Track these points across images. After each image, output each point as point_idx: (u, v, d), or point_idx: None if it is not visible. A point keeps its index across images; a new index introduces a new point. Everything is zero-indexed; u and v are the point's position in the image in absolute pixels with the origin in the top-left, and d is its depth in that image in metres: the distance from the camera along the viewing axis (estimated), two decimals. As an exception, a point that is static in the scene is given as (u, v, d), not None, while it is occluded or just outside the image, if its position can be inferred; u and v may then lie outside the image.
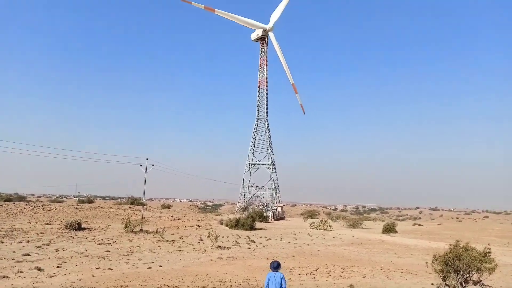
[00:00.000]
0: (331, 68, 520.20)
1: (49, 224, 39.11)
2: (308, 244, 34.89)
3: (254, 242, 34.12)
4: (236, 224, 46.49)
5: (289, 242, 36.17)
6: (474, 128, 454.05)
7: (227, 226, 47.78)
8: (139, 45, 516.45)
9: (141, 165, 44.88)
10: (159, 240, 31.29)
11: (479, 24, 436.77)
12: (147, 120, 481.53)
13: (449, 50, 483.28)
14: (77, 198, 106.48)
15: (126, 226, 36.29)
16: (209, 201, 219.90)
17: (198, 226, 46.43)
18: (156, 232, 35.52)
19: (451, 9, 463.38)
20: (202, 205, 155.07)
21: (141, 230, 37.44)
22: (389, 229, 53.82)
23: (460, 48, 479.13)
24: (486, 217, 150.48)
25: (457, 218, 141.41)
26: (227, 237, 36.87)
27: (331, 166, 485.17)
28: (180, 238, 34.01)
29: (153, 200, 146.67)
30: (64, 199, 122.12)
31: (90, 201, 79.49)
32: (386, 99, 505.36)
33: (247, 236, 37.99)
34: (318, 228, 54.29)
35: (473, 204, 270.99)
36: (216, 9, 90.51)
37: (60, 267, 18.63)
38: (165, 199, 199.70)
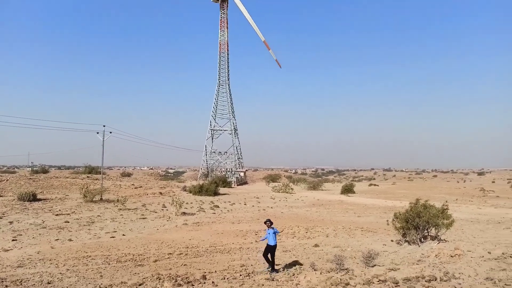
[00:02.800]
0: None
1: (1, 196, 36.96)
2: (271, 207, 35.57)
3: (218, 207, 34.25)
4: (200, 190, 46.36)
5: (253, 206, 36.68)
6: (427, 92, 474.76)
7: (190, 192, 47.57)
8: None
9: (97, 133, 43.06)
10: (120, 209, 30.52)
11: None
12: (103, 84, 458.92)
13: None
14: (30, 168, 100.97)
15: (85, 196, 35.00)
16: (171, 168, 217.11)
17: (160, 193, 45.81)
18: (117, 200, 34.61)
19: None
20: (164, 172, 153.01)
21: (101, 199, 36.33)
22: (348, 190, 56.01)
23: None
24: (435, 176, 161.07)
25: (409, 177, 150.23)
26: (191, 203, 36.73)
27: (291, 131, 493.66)
28: (143, 206, 33.42)
29: (111, 169, 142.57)
30: (16, 169, 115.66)
31: (44, 171, 75.27)
32: (345, 59, 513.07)
33: (211, 202, 38.06)
34: (280, 191, 55.47)
35: (423, 164, 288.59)
36: None
37: (16, 240, 17.64)
38: (125, 167, 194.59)
